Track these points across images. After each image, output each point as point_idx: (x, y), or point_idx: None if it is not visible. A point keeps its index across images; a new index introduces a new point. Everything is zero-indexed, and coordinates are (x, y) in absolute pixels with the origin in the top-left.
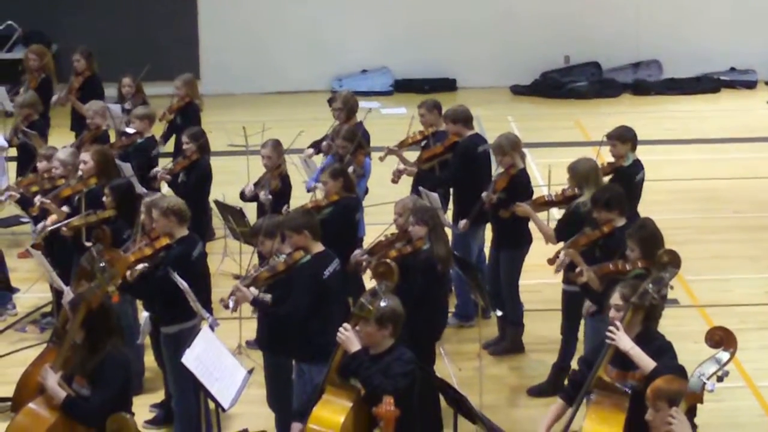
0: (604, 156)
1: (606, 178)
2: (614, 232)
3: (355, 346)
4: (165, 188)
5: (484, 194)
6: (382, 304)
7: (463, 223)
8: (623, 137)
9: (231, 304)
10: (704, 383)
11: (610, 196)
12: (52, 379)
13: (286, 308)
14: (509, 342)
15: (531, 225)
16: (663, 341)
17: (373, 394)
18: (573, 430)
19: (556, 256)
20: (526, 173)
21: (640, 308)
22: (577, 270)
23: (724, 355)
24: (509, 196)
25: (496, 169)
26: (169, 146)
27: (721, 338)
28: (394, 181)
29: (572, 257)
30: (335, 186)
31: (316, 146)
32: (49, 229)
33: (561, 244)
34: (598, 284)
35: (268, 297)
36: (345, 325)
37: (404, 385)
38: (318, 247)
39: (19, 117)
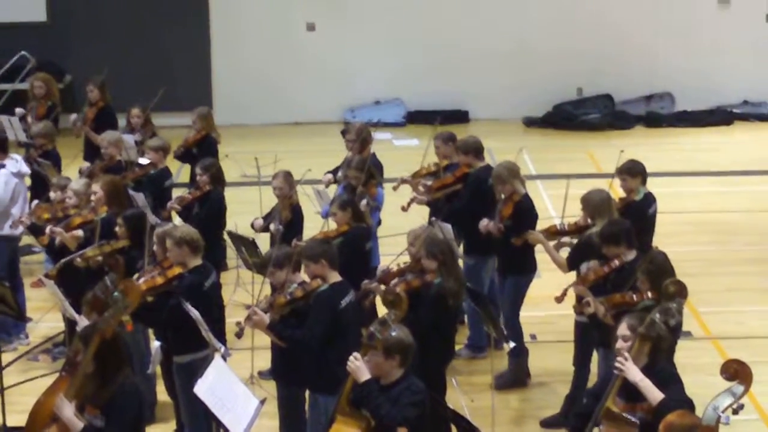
0: (617, 190)
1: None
2: (624, 266)
3: (364, 375)
4: (177, 219)
5: (489, 224)
6: (392, 333)
7: (484, 221)
8: (633, 171)
9: (243, 330)
10: (719, 416)
11: (617, 231)
12: (69, 410)
13: (301, 333)
14: (512, 373)
15: (544, 255)
16: (670, 372)
17: (381, 423)
18: None
19: (564, 293)
20: (528, 198)
21: (647, 339)
22: (584, 300)
23: (739, 388)
24: (515, 222)
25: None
26: (186, 177)
27: (736, 371)
28: (404, 208)
29: (581, 293)
30: (344, 217)
31: (334, 174)
32: (63, 261)
33: (568, 280)
34: (605, 315)
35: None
36: (355, 354)
37: (412, 415)
38: (335, 277)
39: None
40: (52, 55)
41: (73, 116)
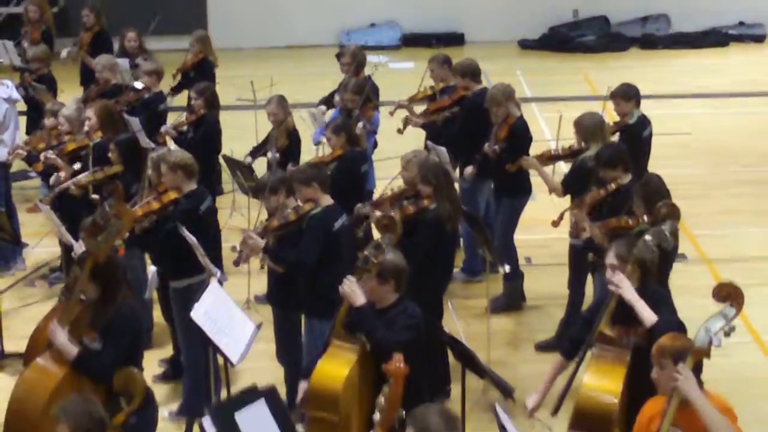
0: (611, 113)
1: (614, 137)
2: (620, 189)
3: (359, 299)
4: (172, 144)
5: (486, 146)
6: (387, 257)
7: (469, 169)
8: (626, 95)
9: (242, 256)
10: (711, 338)
11: (613, 154)
12: (62, 336)
13: (295, 254)
14: (506, 297)
15: (539, 178)
16: (661, 294)
17: (376, 347)
18: (575, 385)
19: (561, 217)
20: (523, 120)
21: (640, 261)
22: (580, 225)
23: (731, 310)
24: (510, 145)
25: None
26: (183, 101)
27: (728, 293)
28: (400, 131)
29: (577, 218)
30: (339, 141)
31: (326, 102)
32: (57, 189)
33: (564, 203)
34: (602, 239)
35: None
36: (349, 277)
37: (407, 338)
38: (327, 200)
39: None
40: None
41: (65, 51)
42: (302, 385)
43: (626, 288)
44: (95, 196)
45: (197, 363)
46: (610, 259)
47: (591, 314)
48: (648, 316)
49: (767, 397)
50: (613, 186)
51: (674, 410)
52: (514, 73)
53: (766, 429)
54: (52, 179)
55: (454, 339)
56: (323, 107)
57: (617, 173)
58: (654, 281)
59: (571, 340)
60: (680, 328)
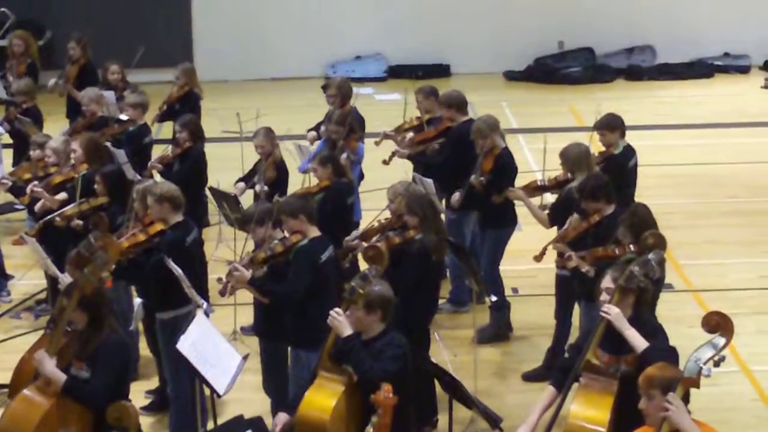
0: (597, 144)
1: (598, 168)
2: (603, 221)
3: (346, 330)
4: (158, 176)
5: (472, 178)
6: (374, 288)
7: (455, 196)
8: (611, 125)
9: (228, 287)
10: (701, 368)
11: (594, 186)
12: (50, 365)
13: (283, 287)
14: (493, 327)
15: (525, 209)
16: (654, 324)
17: (364, 378)
18: (562, 414)
19: (543, 252)
20: (508, 151)
21: (627, 291)
22: (566, 255)
23: (720, 340)
24: (496, 176)
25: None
26: (166, 133)
27: (717, 323)
28: (386, 162)
29: (561, 250)
30: (325, 172)
31: (315, 131)
32: (43, 221)
33: (550, 233)
34: (587, 269)
35: (263, 270)
36: (336, 309)
37: (394, 369)
38: (314, 232)
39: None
40: (32, 11)
41: (52, 80)
42: (281, 417)
43: (615, 315)
44: (79, 222)
45: (184, 394)
46: (606, 283)
47: (581, 344)
48: (638, 343)
49: (755, 427)
50: (596, 217)
51: None
52: (500, 105)
53: None
54: (37, 206)
55: (441, 369)
56: (313, 133)
57: (599, 205)
58: (647, 310)
59: (562, 370)
60: (672, 353)
